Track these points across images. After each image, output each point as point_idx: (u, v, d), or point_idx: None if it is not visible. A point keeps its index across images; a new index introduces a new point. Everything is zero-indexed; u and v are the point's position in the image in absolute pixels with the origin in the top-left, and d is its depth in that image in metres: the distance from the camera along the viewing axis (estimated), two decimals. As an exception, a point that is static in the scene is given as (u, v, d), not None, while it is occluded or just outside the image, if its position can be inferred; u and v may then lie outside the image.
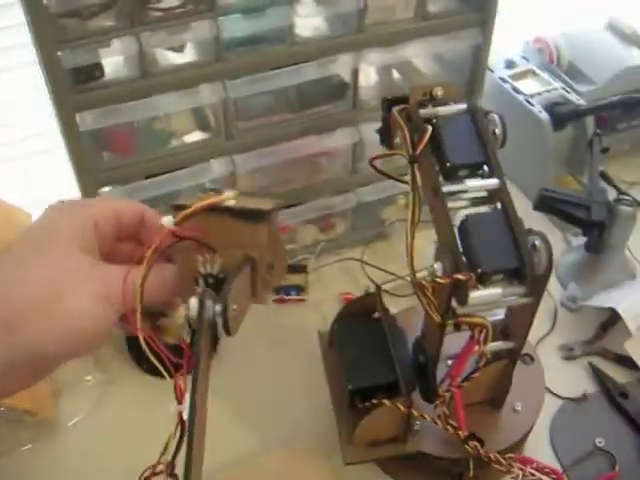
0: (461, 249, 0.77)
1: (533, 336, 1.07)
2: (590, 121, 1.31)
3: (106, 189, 1.02)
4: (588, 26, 1.48)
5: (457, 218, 0.80)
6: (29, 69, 1.20)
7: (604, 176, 1.24)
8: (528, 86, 1.35)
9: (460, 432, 0.84)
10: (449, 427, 0.85)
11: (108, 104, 0.95)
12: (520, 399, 0.95)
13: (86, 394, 1.07)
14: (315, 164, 1.18)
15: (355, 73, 1.08)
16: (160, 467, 0.61)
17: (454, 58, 1.17)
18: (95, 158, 1.02)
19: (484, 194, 0.83)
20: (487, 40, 1.12)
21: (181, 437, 0.60)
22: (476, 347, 0.80)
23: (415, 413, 0.85)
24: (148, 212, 0.66)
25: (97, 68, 0.94)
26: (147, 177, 1.04)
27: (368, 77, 1.13)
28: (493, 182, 0.81)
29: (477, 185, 0.81)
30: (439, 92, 0.85)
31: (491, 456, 0.82)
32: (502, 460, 0.82)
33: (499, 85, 1.36)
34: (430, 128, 0.80)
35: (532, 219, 1.26)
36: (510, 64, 1.40)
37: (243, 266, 0.61)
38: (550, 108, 1.30)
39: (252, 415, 1.05)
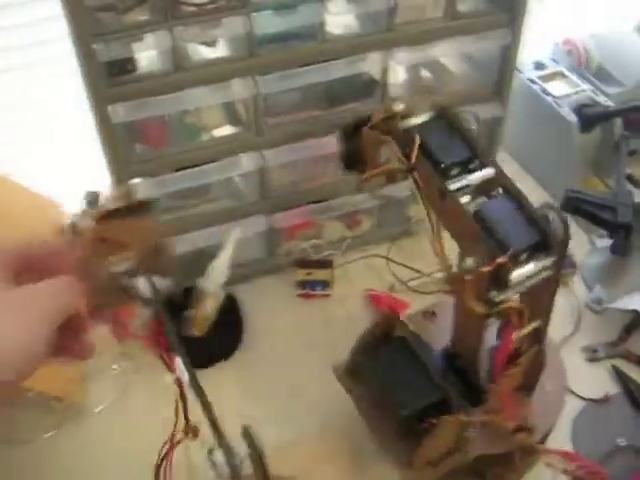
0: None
1: (557, 337, 1.08)
2: (618, 123, 1.31)
3: (137, 181, 1.04)
4: (617, 28, 1.48)
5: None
6: (61, 63, 1.23)
7: (631, 179, 1.24)
8: (557, 88, 1.35)
9: (510, 424, 0.85)
10: (503, 421, 0.86)
11: (141, 97, 0.96)
12: (547, 379, 0.95)
13: (112, 382, 1.09)
14: (343, 161, 1.18)
15: (384, 71, 1.09)
16: (178, 437, 0.63)
17: (483, 58, 1.18)
18: (127, 150, 1.04)
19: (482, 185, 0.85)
20: (516, 41, 1.13)
21: (184, 400, 0.64)
22: (514, 333, 0.82)
23: (474, 420, 0.86)
24: (36, 242, 0.65)
25: (130, 62, 0.96)
26: (177, 170, 1.06)
27: (397, 75, 1.14)
28: (490, 171, 0.84)
29: (478, 177, 0.84)
30: (399, 107, 0.88)
31: (539, 447, 0.83)
32: (549, 451, 0.83)
33: (528, 86, 1.36)
34: (418, 136, 0.83)
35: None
36: (539, 66, 1.40)
37: (155, 250, 0.63)
38: (578, 110, 1.30)
39: (272, 408, 1.06)
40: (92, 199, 1.30)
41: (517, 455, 0.87)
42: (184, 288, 1.13)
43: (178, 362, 0.63)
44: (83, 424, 1.05)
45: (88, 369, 1.08)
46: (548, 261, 0.79)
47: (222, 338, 1.13)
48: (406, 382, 0.91)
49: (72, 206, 1.30)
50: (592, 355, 1.12)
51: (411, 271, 1.20)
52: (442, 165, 0.83)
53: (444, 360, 0.96)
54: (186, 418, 0.65)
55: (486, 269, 0.75)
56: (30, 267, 0.62)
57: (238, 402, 1.05)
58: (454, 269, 0.80)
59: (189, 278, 1.11)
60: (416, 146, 0.83)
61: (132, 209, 0.62)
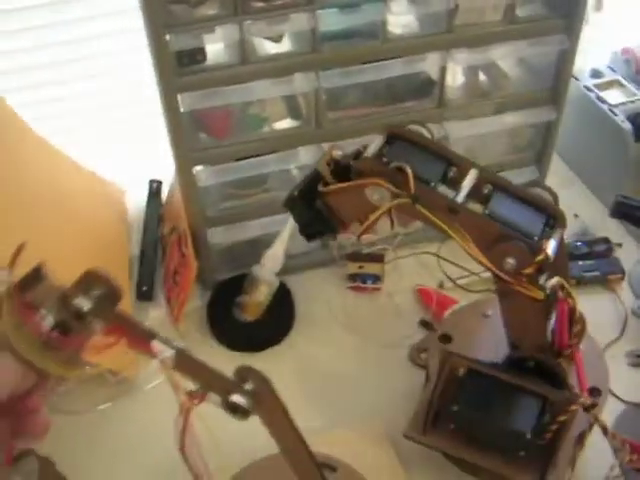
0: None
1: (602, 341, 1.09)
2: (674, 133, 1.31)
3: (199, 168, 1.08)
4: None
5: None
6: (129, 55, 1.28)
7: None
8: (613, 96, 1.35)
9: (587, 399, 0.87)
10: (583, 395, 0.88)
11: (208, 87, 1.00)
12: (589, 379, 0.95)
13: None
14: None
15: (442, 72, 1.11)
16: (187, 405, 0.65)
17: (539, 63, 1.20)
18: (192, 139, 1.07)
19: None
20: (573, 47, 1.14)
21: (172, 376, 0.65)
22: (565, 305, 0.85)
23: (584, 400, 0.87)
24: None
25: (200, 53, 1.00)
26: (237, 159, 1.09)
27: (455, 77, 1.16)
28: (475, 172, 0.87)
29: (470, 182, 0.86)
30: (338, 153, 0.90)
31: (610, 429, 0.85)
32: (616, 435, 0.85)
33: (584, 94, 1.37)
34: (407, 165, 0.84)
35: (608, 226, 1.28)
36: (596, 74, 1.41)
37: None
38: (633, 118, 1.30)
39: (319, 393, 1.09)
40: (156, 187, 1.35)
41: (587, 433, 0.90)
42: (239, 274, 1.17)
43: (155, 345, 0.63)
44: (135, 400, 1.08)
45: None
46: (559, 232, 0.84)
47: (274, 324, 1.17)
48: (506, 406, 0.90)
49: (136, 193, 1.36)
50: (635, 360, 1.12)
51: (460, 269, 1.21)
52: (432, 184, 0.85)
53: (512, 369, 0.95)
54: (185, 390, 0.66)
55: (539, 259, 0.79)
56: None
57: (287, 386, 1.08)
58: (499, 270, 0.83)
59: (244, 265, 1.15)
60: (410, 175, 0.83)
61: (28, 279, 0.61)
